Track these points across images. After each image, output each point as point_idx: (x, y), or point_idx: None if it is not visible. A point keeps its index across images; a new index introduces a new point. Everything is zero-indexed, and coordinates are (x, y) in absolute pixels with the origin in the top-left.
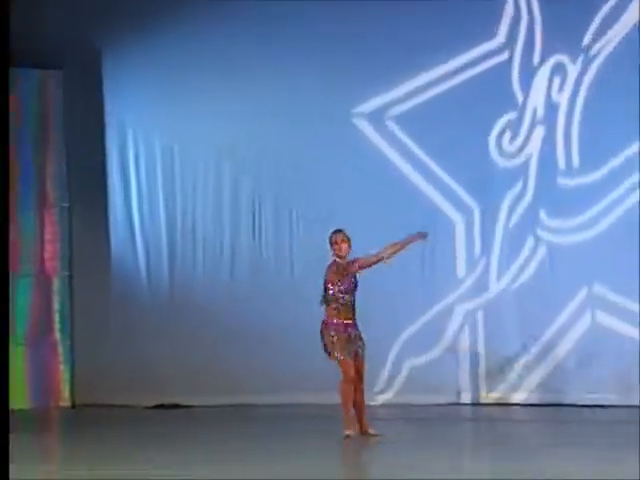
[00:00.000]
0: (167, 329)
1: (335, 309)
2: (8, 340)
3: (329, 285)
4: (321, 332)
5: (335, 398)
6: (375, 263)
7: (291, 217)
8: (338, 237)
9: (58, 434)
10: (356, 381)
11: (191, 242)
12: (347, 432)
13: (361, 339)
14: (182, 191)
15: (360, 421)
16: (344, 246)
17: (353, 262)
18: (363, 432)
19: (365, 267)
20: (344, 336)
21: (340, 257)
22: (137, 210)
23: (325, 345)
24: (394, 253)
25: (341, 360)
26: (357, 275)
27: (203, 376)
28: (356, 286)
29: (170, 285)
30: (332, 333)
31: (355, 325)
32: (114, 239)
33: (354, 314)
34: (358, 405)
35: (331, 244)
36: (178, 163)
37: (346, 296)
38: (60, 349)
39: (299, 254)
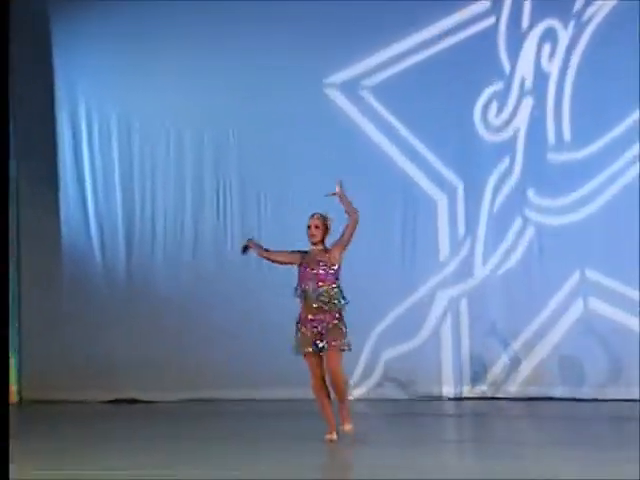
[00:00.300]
0: (124, 317)
1: (303, 301)
2: (8, 340)
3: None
4: (297, 325)
5: (303, 393)
6: (351, 233)
7: (259, 197)
8: (309, 221)
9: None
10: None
11: (150, 223)
12: (328, 436)
13: (330, 333)
14: (140, 168)
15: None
16: (317, 232)
17: (332, 249)
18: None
19: (345, 245)
20: (310, 331)
21: (314, 244)
22: (91, 187)
23: (296, 340)
24: (348, 204)
25: (303, 357)
26: (337, 263)
27: (163, 368)
28: (333, 275)
29: (127, 269)
30: (301, 329)
31: (328, 318)
32: (65, 218)
33: (326, 306)
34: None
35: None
36: (136, 138)
37: (311, 285)
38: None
39: (268, 237)
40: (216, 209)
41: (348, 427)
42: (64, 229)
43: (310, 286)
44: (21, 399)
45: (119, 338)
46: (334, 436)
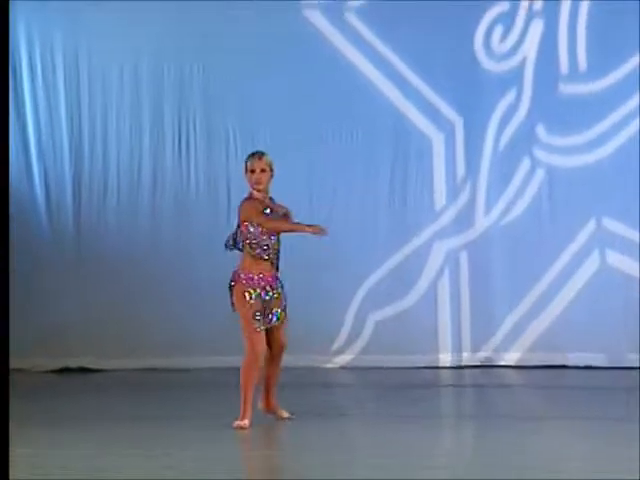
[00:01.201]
0: (72, 276)
1: (252, 258)
2: (8, 338)
3: (245, 226)
4: (230, 287)
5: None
6: (288, 230)
7: (227, 135)
8: (255, 163)
9: None
10: (276, 353)
11: (102, 168)
12: (241, 423)
13: (283, 298)
14: (90, 104)
15: (267, 398)
16: (263, 176)
17: (280, 206)
18: (269, 411)
19: (281, 230)
20: (259, 300)
21: (258, 190)
22: (33, 129)
23: (233, 304)
24: (292, 230)
25: (251, 332)
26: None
27: (115, 335)
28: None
29: (75, 221)
30: (246, 293)
31: (276, 280)
32: None
33: (276, 265)
34: (270, 380)
35: (246, 171)
36: (85, 68)
37: (269, 241)
38: None
39: (236, 180)
40: (178, 150)
41: (286, 412)
42: None
43: (275, 240)
44: None
45: (67, 300)
46: (248, 423)
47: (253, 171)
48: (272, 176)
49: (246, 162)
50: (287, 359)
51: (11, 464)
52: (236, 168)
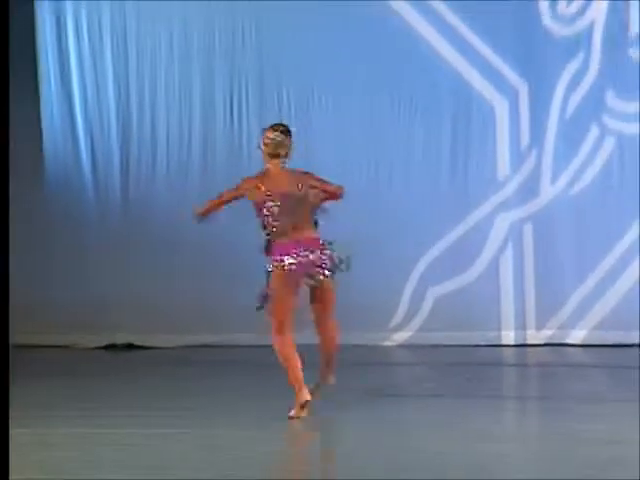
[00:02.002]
0: (120, 250)
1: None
2: (8, 336)
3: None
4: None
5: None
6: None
7: (281, 105)
8: (269, 135)
9: None
10: (322, 315)
11: (150, 134)
12: (303, 399)
13: (322, 261)
14: (138, 71)
15: (324, 370)
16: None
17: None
18: (322, 381)
19: (325, 198)
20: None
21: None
22: (79, 95)
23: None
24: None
25: (272, 297)
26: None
27: (164, 311)
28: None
29: (123, 192)
30: (271, 264)
31: (308, 243)
32: (48, 133)
33: (305, 226)
34: (326, 349)
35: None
36: (133, 34)
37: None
38: None
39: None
40: (230, 118)
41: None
42: (47, 147)
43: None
44: None
45: (114, 275)
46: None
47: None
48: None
49: (262, 135)
50: (343, 337)
51: (53, 444)
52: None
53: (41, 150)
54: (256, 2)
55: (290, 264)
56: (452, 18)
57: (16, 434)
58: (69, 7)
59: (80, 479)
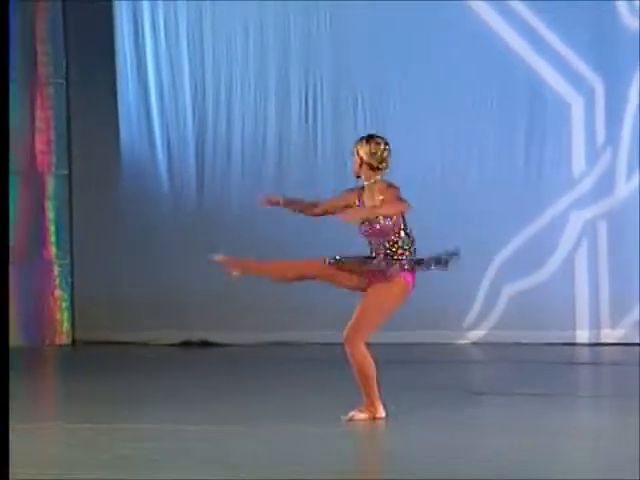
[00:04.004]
0: (195, 245)
1: None
2: (8, 336)
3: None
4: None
5: (411, 337)
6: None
7: (355, 101)
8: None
9: (55, 380)
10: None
11: (225, 133)
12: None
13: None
14: (214, 67)
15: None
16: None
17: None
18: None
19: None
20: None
21: (358, 176)
22: (155, 91)
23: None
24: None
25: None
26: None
27: (239, 308)
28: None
29: (198, 189)
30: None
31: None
32: (125, 128)
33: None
34: None
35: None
36: (209, 33)
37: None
38: (56, 270)
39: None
40: (305, 116)
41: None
42: (123, 143)
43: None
44: (74, 340)
45: (189, 270)
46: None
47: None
48: (359, 160)
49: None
50: (417, 334)
51: (121, 439)
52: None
53: (118, 148)
54: (332, 2)
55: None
56: (527, 14)
57: (87, 429)
58: (146, 6)
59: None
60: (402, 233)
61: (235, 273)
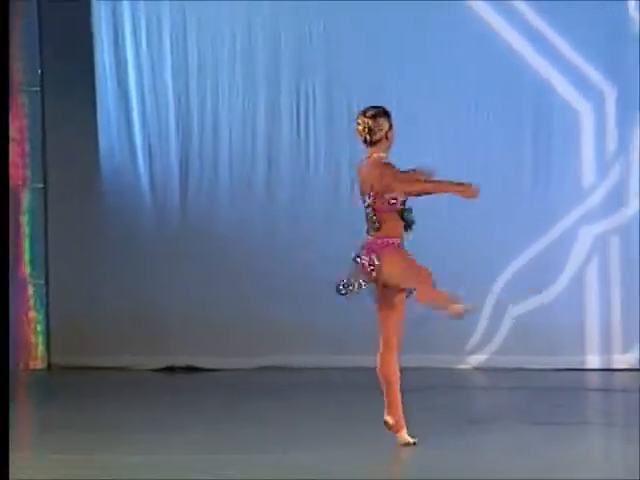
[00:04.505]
0: (178, 264)
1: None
2: (8, 338)
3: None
4: None
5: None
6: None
7: (350, 108)
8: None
9: (30, 407)
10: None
11: (211, 140)
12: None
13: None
14: (199, 73)
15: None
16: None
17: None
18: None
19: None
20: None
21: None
22: (136, 99)
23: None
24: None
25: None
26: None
27: (226, 329)
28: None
29: (182, 201)
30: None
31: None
32: (104, 138)
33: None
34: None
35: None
36: (193, 37)
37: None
38: (30, 290)
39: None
40: (296, 126)
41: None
42: (103, 153)
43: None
44: (49, 365)
45: (172, 291)
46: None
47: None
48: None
49: (390, 118)
50: (416, 359)
51: (99, 470)
52: (358, 142)
53: (97, 159)
54: (324, 2)
55: None
56: (533, 18)
57: (64, 459)
58: (126, 7)
59: None
60: None
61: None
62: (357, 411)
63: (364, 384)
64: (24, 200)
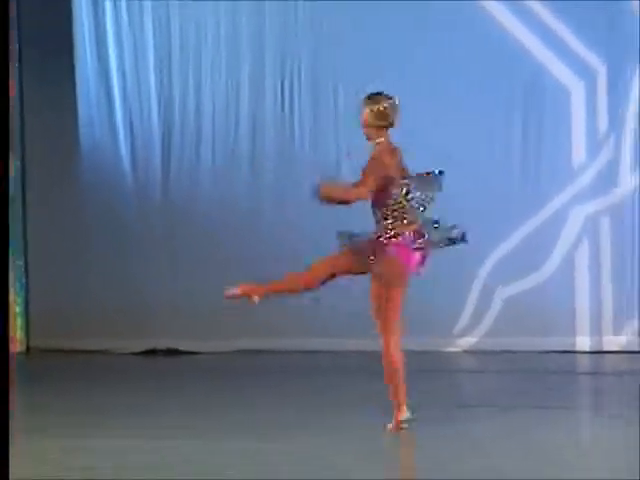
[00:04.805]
0: (160, 245)
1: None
2: (8, 338)
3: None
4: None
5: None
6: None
7: (335, 87)
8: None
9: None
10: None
11: (194, 119)
12: (401, 417)
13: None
14: (182, 49)
15: None
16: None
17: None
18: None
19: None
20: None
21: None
22: (117, 77)
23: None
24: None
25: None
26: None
27: (207, 314)
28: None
29: (164, 182)
30: None
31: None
32: (84, 117)
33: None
34: None
35: (395, 113)
36: (176, 14)
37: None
38: (10, 275)
39: (344, 136)
40: (281, 105)
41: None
42: (83, 132)
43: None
44: (28, 348)
45: (153, 273)
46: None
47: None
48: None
49: (394, 104)
50: (403, 342)
51: (78, 454)
52: (344, 121)
53: (77, 139)
54: None
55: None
56: None
57: (45, 443)
58: None
59: None
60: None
61: (256, 299)
62: (342, 395)
63: (348, 367)
64: None
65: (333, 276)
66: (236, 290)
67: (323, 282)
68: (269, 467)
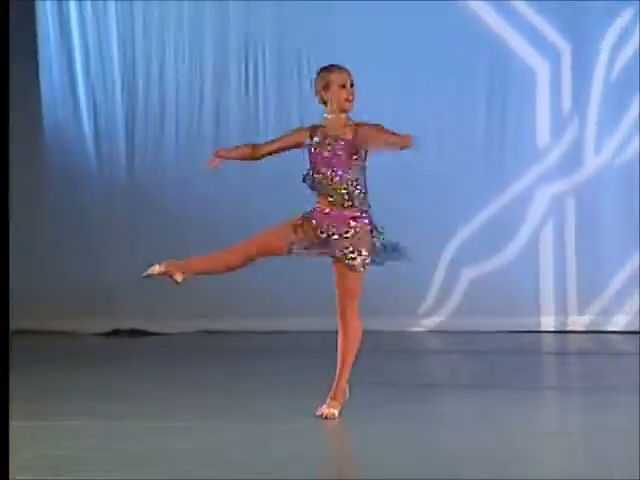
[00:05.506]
0: (124, 225)
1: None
2: (8, 338)
3: None
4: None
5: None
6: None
7: (300, 63)
8: (345, 77)
9: None
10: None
11: (158, 98)
12: (334, 410)
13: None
14: (145, 30)
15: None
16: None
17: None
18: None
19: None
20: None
21: (343, 111)
22: (81, 59)
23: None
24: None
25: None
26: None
27: (171, 294)
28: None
29: (129, 161)
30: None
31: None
32: (46, 97)
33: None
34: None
35: (330, 88)
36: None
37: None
38: None
39: (310, 116)
40: (245, 86)
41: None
42: (46, 112)
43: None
44: None
45: (116, 253)
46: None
47: (344, 86)
48: None
49: (328, 75)
50: (365, 321)
51: (55, 437)
52: (309, 100)
53: (40, 118)
54: None
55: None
56: None
57: (15, 426)
58: None
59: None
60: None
61: (179, 278)
62: (302, 376)
63: (309, 348)
64: None
65: (254, 256)
66: (155, 268)
67: (245, 263)
68: (211, 445)
